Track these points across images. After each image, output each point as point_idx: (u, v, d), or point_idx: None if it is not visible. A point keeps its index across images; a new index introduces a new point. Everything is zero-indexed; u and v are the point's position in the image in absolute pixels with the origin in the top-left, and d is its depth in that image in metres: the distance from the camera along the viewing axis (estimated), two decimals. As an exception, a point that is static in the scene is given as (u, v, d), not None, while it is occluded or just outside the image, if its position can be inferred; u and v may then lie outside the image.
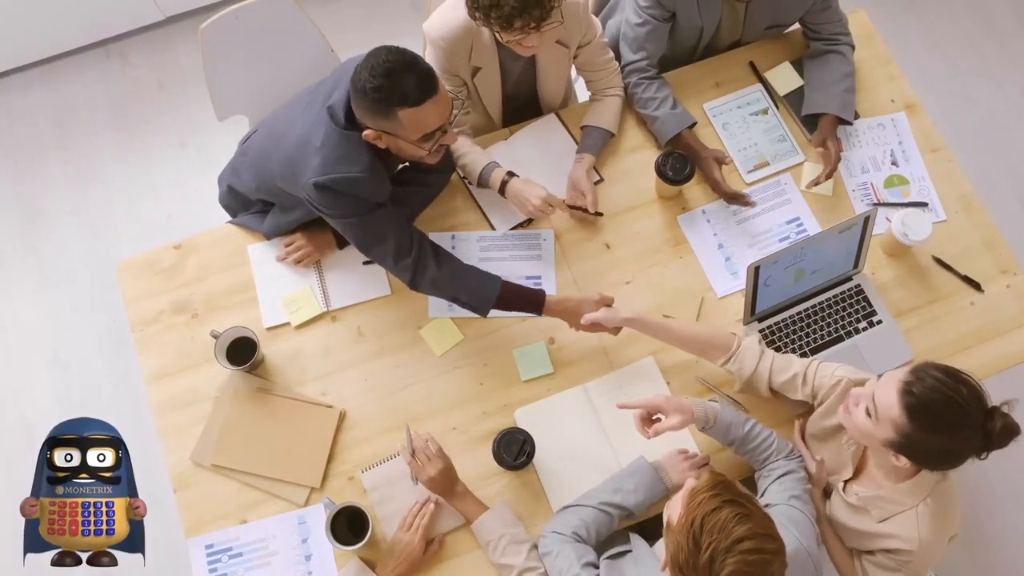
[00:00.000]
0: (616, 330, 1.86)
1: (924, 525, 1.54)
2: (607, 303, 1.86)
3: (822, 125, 2.06)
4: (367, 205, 1.73)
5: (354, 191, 1.69)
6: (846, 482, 1.66)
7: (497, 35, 1.78)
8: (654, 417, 1.69)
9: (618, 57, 2.14)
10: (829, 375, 1.67)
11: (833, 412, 1.66)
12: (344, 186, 1.67)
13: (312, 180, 1.66)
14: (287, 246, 1.99)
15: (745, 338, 1.76)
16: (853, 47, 2.12)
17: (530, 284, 1.99)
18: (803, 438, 1.77)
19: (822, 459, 1.72)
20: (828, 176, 2.03)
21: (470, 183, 2.06)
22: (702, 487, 1.29)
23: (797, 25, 2.18)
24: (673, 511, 1.32)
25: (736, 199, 2.01)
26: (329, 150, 1.66)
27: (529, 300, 1.85)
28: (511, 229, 2.05)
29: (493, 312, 1.86)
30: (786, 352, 1.91)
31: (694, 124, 2.07)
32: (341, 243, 1.99)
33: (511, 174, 1.98)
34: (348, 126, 1.66)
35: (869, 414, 1.47)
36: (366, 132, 1.64)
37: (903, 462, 1.47)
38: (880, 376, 1.51)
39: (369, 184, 1.69)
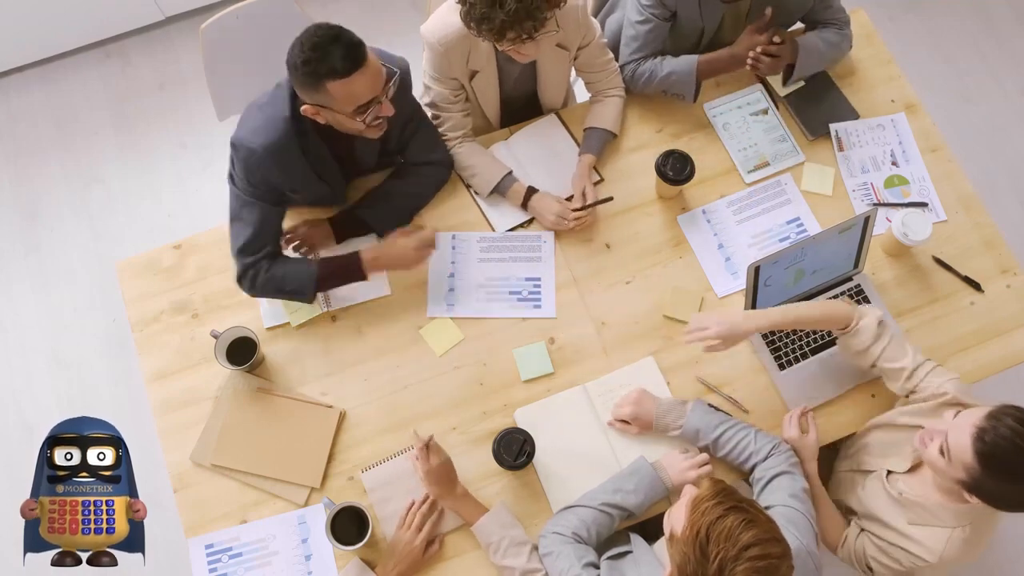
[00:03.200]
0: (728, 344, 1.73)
1: (952, 547, 1.54)
2: (427, 241, 1.88)
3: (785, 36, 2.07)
4: (249, 189, 1.77)
5: (247, 162, 1.73)
6: (891, 472, 1.66)
7: (494, 43, 1.78)
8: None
9: (617, 55, 2.14)
10: (937, 384, 1.64)
11: (923, 415, 1.64)
12: (243, 154, 1.73)
13: (232, 137, 1.74)
14: (287, 235, 1.99)
15: (864, 317, 1.69)
16: (851, 43, 2.13)
17: (528, 286, 1.99)
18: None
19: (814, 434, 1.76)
20: (767, 61, 2.01)
21: (477, 193, 2.07)
22: (704, 495, 1.28)
23: (798, 24, 2.18)
24: (676, 521, 1.31)
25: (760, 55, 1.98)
26: (255, 113, 1.73)
27: (348, 267, 1.88)
28: (510, 230, 2.05)
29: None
30: (787, 351, 1.92)
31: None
32: (339, 237, 2.00)
33: (532, 189, 2.01)
34: (292, 104, 1.71)
35: (942, 452, 1.46)
36: (304, 108, 1.67)
37: (974, 501, 1.46)
38: (957, 414, 1.48)
39: (262, 164, 1.73)
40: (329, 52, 1.56)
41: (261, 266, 1.84)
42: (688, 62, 2.05)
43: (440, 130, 2.04)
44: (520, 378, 1.92)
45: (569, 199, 2.06)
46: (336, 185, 1.94)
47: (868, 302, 1.95)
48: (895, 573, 1.65)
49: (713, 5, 2.03)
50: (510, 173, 2.04)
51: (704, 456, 1.77)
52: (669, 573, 1.33)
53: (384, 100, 1.69)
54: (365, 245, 2.00)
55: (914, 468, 1.65)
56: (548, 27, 1.73)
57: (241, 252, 1.83)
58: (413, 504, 1.77)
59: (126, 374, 2.76)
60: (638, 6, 2.05)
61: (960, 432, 1.43)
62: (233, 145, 1.74)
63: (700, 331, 1.68)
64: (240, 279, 1.85)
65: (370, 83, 1.63)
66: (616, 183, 2.10)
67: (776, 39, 2.01)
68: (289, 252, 1.99)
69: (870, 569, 1.69)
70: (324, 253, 2.00)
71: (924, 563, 1.57)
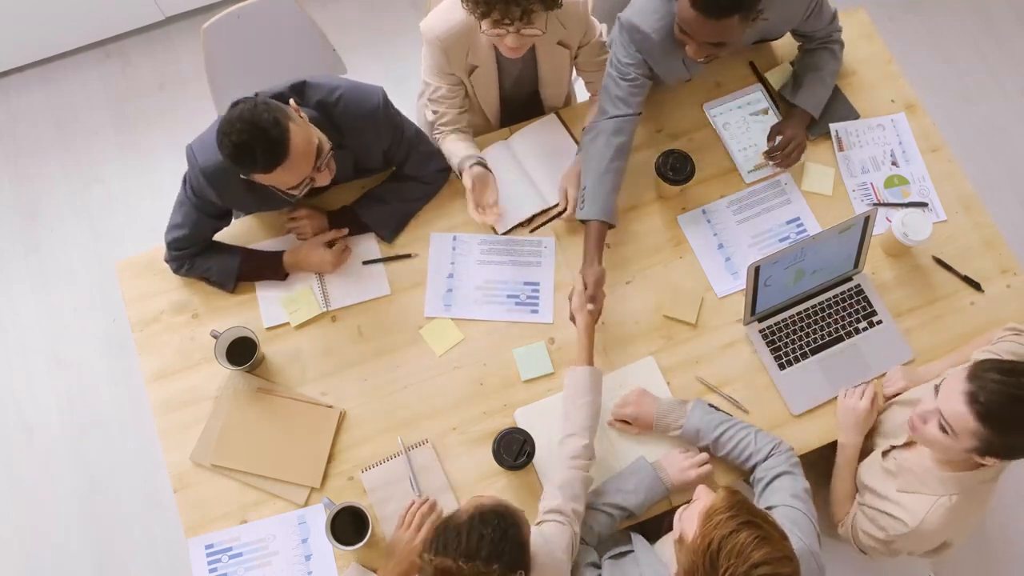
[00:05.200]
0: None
1: (935, 515, 1.56)
2: (345, 256, 1.97)
3: (788, 114, 2.08)
4: (191, 195, 1.85)
5: (190, 173, 1.82)
6: (892, 448, 1.68)
7: (480, 25, 1.75)
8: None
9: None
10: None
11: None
12: (188, 163, 1.80)
13: (190, 143, 1.79)
14: (289, 220, 2.01)
15: None
16: (842, 44, 2.09)
17: (527, 291, 1.99)
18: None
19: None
20: (774, 161, 2.04)
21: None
22: (719, 507, 1.28)
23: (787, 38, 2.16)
24: (687, 526, 1.31)
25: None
26: (214, 126, 1.73)
27: (270, 266, 1.97)
28: (509, 231, 2.04)
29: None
30: (787, 351, 1.92)
31: (610, 225, 1.90)
32: (332, 225, 2.00)
33: (480, 165, 1.94)
34: None
35: (944, 430, 1.46)
36: None
37: (991, 462, 1.47)
38: (937, 387, 1.48)
39: (199, 181, 1.79)
40: (251, 155, 1.56)
41: (185, 261, 1.95)
42: (596, 209, 1.87)
43: (437, 124, 2.03)
44: (520, 378, 1.92)
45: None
46: (289, 204, 1.92)
47: (868, 302, 1.95)
48: (878, 543, 1.67)
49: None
50: (476, 159, 1.96)
51: (704, 456, 1.77)
52: (675, 574, 1.33)
53: (318, 175, 1.68)
54: (364, 245, 2.02)
55: (911, 442, 1.66)
56: (535, 23, 1.70)
57: (170, 245, 1.92)
58: (413, 504, 1.77)
59: (126, 374, 2.76)
60: (618, 66, 1.90)
61: (952, 403, 1.43)
62: (188, 151, 1.79)
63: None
64: (167, 262, 1.97)
65: (295, 173, 1.63)
66: (616, 183, 2.09)
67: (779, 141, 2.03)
68: (288, 229, 2.02)
69: (861, 544, 1.72)
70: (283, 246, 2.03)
71: (904, 528, 1.59)
